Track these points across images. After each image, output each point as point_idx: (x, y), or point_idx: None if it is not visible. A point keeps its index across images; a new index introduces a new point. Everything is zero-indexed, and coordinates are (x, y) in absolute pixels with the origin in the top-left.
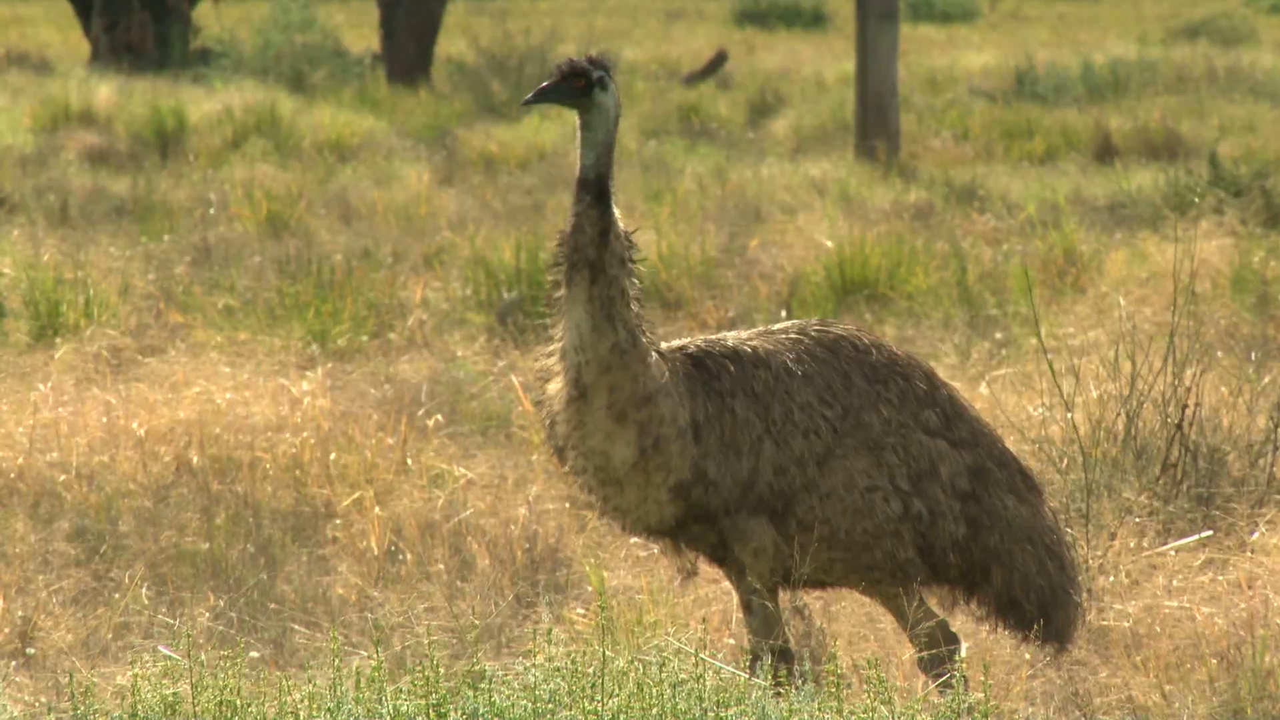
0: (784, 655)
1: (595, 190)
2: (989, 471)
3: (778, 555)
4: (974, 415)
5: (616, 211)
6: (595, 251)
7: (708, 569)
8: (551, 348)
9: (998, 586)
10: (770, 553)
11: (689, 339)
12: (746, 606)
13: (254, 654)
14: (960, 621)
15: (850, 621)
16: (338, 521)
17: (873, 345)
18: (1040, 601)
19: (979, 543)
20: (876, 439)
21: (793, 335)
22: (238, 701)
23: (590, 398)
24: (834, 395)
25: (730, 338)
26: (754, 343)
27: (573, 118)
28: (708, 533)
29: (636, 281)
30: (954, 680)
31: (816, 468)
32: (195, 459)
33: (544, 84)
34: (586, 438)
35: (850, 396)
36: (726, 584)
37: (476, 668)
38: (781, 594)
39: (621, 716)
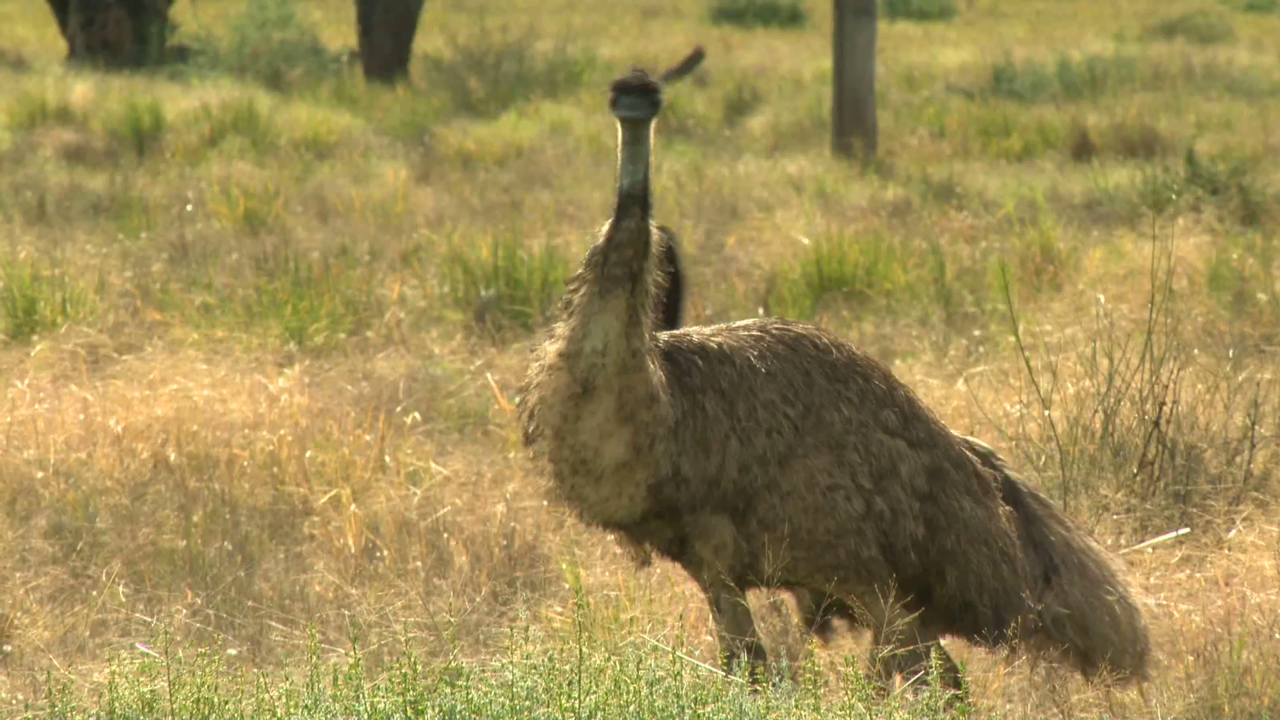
0: (756, 652)
1: (644, 205)
2: (946, 472)
3: (737, 553)
4: (930, 416)
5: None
6: (639, 264)
7: (673, 565)
8: (554, 345)
9: (952, 588)
10: (730, 550)
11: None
12: (716, 604)
13: (231, 651)
14: None
15: None
16: (315, 519)
17: (832, 344)
18: (994, 604)
19: (936, 543)
20: (838, 438)
21: (754, 333)
22: (215, 699)
23: (596, 396)
24: (796, 393)
25: (694, 333)
26: (718, 339)
27: (551, 115)
28: (666, 528)
29: (660, 278)
30: (929, 678)
31: (778, 466)
32: (172, 456)
33: (640, 99)
34: (579, 433)
35: (812, 395)
36: None
37: (453, 665)
38: (755, 592)
39: (599, 714)
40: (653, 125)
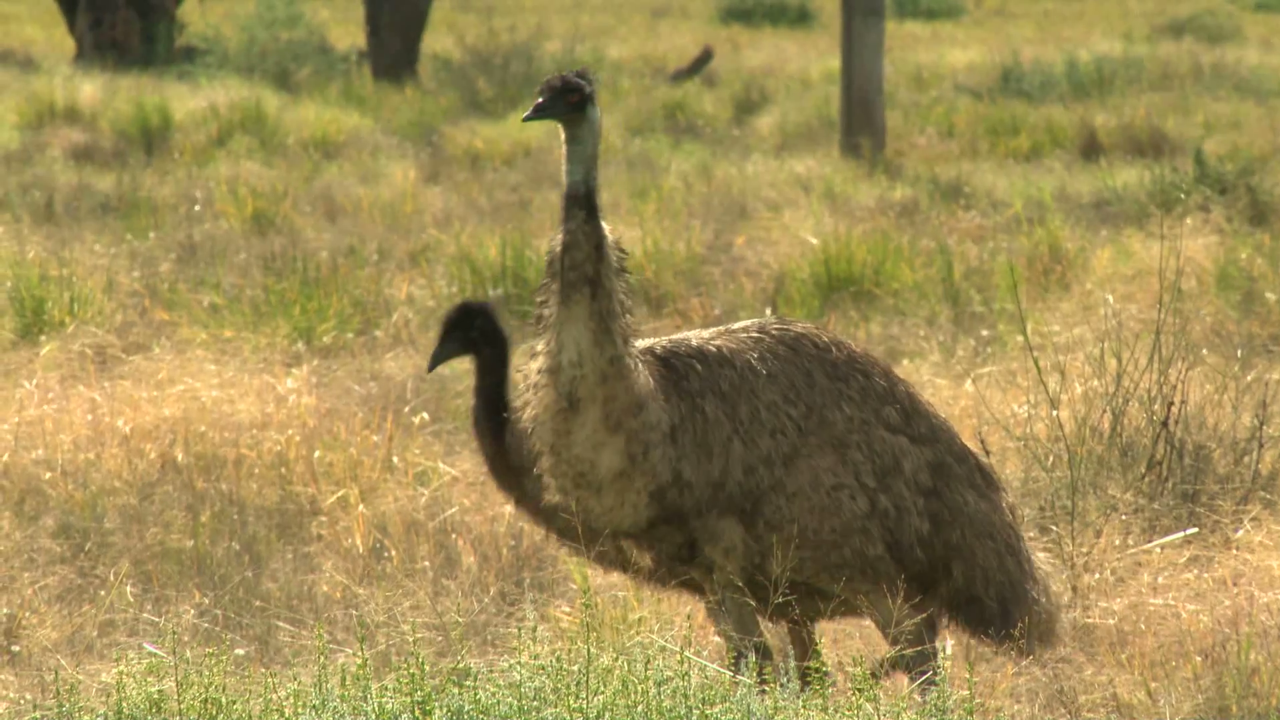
0: (763, 652)
1: (587, 205)
2: (949, 467)
3: (747, 554)
4: (931, 411)
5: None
6: (593, 267)
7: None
8: (537, 361)
9: (959, 582)
10: (740, 552)
11: (652, 340)
12: (720, 605)
13: (239, 651)
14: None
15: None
16: (323, 519)
17: (832, 343)
18: (1000, 597)
19: (941, 538)
20: (841, 436)
21: (754, 334)
22: (223, 699)
23: (582, 409)
24: (798, 394)
25: (693, 337)
26: (717, 342)
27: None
28: (675, 533)
29: (626, 285)
30: (937, 678)
31: (783, 467)
32: (180, 456)
33: (540, 101)
34: (572, 446)
35: (813, 394)
36: None
37: (461, 665)
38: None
39: (606, 714)
40: (592, 125)
